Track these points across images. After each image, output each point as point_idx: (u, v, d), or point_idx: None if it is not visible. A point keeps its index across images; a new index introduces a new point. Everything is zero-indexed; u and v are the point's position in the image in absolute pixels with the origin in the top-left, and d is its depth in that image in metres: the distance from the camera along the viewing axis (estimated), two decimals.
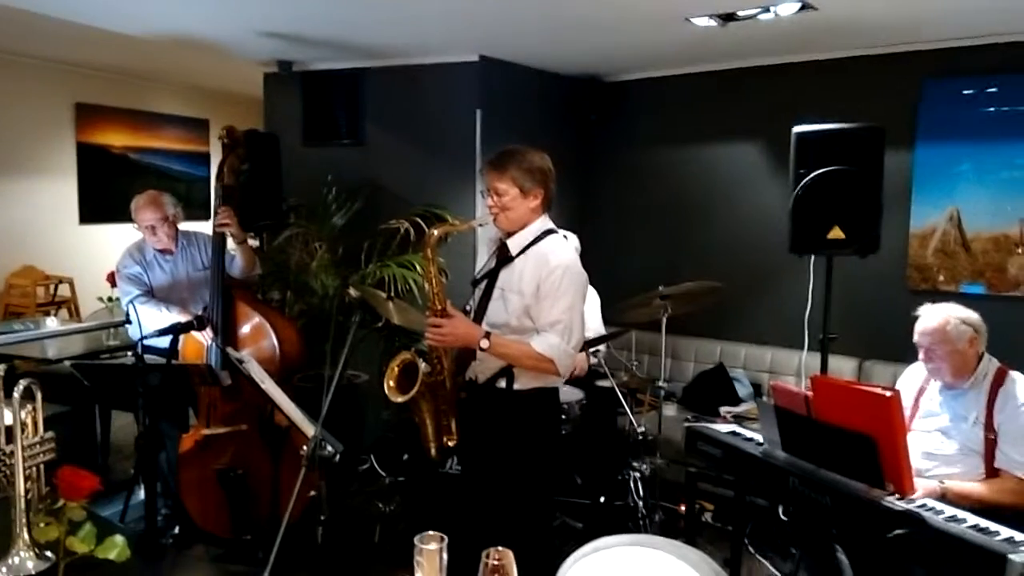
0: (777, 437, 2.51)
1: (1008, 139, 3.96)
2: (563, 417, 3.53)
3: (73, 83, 7.24)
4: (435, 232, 2.57)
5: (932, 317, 2.62)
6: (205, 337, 3.41)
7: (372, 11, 3.77)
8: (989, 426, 2.50)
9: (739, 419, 3.86)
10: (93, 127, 7.48)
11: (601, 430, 3.99)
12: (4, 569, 1.59)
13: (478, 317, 2.60)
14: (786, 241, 3.35)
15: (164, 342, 3.13)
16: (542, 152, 2.59)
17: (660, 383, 3.75)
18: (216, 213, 3.53)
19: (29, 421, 1.75)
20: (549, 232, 2.58)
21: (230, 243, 3.58)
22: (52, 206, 7.13)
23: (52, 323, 4.64)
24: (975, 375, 2.58)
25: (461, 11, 3.73)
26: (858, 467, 2.23)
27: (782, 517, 3.27)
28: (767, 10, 3.52)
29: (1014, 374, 2.56)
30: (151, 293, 3.61)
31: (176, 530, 3.54)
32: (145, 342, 3.07)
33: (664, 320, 3.65)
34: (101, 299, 4.77)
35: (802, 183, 3.25)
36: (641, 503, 3.65)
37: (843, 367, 4.24)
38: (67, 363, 3.77)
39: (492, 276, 2.62)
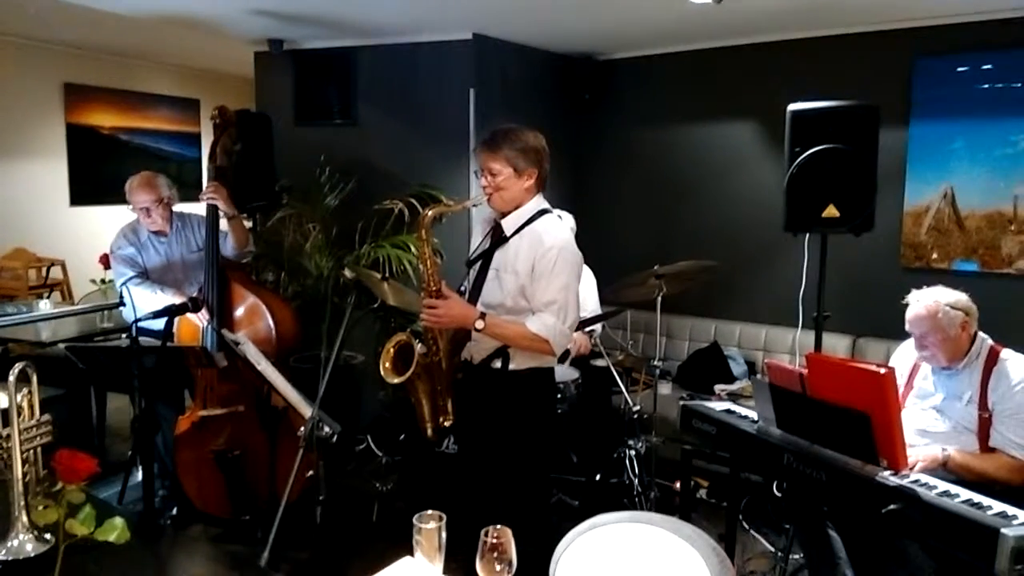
0: (772, 414, 2.52)
1: (1002, 116, 3.96)
2: (559, 396, 3.55)
3: (61, 63, 7.15)
4: (429, 213, 2.56)
5: (922, 306, 2.59)
6: (200, 319, 3.41)
7: None
8: (983, 405, 2.52)
9: (734, 397, 3.88)
10: (82, 108, 7.40)
11: (597, 409, 4.02)
12: (3, 552, 1.60)
13: (473, 298, 2.60)
14: (780, 219, 3.35)
15: (159, 324, 3.12)
16: (536, 131, 2.57)
17: (655, 362, 3.76)
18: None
19: (25, 404, 1.75)
20: (544, 212, 2.57)
21: (223, 223, 3.56)
22: (42, 188, 7.07)
23: (45, 306, 4.61)
24: (968, 356, 2.58)
25: None
26: (852, 443, 2.25)
27: (776, 493, 3.30)
28: None
29: (1007, 353, 2.56)
30: (145, 275, 3.60)
31: (174, 511, 3.56)
32: (140, 324, 3.07)
33: (659, 299, 3.66)
34: (94, 281, 4.74)
35: (797, 161, 3.25)
36: (637, 480, 3.68)
37: (837, 344, 4.26)
38: (62, 346, 3.76)
39: (487, 256, 2.61)
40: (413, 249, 4.27)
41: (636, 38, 4.91)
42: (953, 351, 2.57)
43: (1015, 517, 1.96)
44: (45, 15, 5.34)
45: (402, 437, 3.96)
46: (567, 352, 3.76)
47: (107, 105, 7.64)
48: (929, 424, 2.63)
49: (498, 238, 2.58)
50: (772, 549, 3.33)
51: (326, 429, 2.68)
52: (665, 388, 4.46)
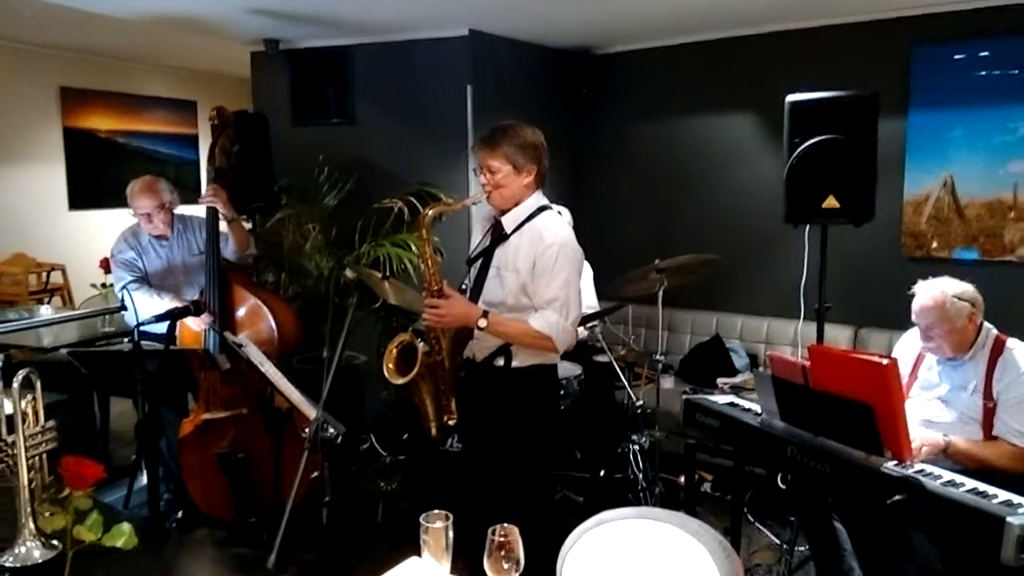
0: (775, 407, 2.52)
1: (1000, 103, 3.95)
2: (562, 392, 3.54)
3: (57, 67, 7.14)
4: (429, 212, 2.56)
5: (928, 296, 2.57)
6: (201, 323, 3.40)
7: None
8: (988, 394, 2.51)
9: (736, 390, 3.88)
10: (79, 111, 7.39)
11: (600, 404, 4.02)
12: (11, 558, 1.60)
13: (474, 296, 2.60)
14: (781, 211, 3.35)
15: (161, 328, 3.12)
16: (534, 127, 2.57)
17: (657, 356, 3.76)
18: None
19: (30, 411, 1.75)
20: (543, 208, 2.57)
21: (223, 225, 3.55)
22: (41, 192, 7.07)
23: (46, 311, 4.61)
24: (975, 347, 2.57)
25: None
26: (856, 435, 2.25)
27: (780, 486, 3.31)
28: None
29: (1012, 342, 2.55)
30: (145, 279, 3.59)
31: (180, 514, 3.56)
32: (142, 328, 3.07)
33: (660, 293, 3.65)
34: (94, 285, 4.74)
35: (796, 152, 3.24)
36: (641, 475, 3.68)
37: (839, 336, 4.26)
38: (64, 351, 3.75)
39: (487, 254, 2.61)
40: (414, 248, 4.26)
41: (632, 31, 4.90)
42: (959, 342, 2.56)
43: (1020, 505, 1.96)
44: (40, 18, 5.33)
45: (406, 436, 3.96)
46: None
47: (104, 108, 7.64)
48: (934, 415, 2.63)
49: (498, 236, 2.58)
50: (777, 541, 3.33)
51: (331, 431, 2.69)
52: (667, 382, 4.46)
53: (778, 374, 2.53)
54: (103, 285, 4.56)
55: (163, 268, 3.64)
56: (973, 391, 2.55)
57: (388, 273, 4.07)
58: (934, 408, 2.64)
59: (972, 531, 1.95)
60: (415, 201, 4.41)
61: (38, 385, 1.77)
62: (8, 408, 1.72)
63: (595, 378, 3.95)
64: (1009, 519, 1.85)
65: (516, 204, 2.55)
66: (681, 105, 5.08)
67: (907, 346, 2.81)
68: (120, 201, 3.65)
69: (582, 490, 3.74)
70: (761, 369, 4.16)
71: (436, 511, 1.47)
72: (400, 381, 2.51)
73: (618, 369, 3.76)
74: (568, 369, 3.74)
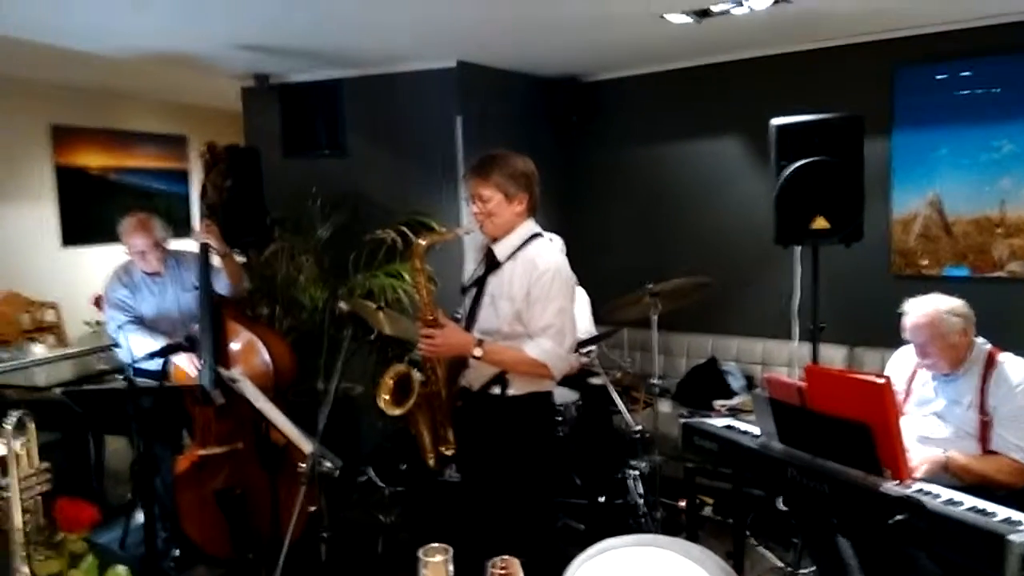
0: (773, 429, 2.52)
1: (984, 122, 4.00)
2: (559, 419, 3.53)
3: (48, 105, 7.15)
4: (422, 242, 2.57)
5: (920, 314, 2.59)
6: (193, 364, 3.38)
7: (347, 19, 3.76)
8: (982, 409, 2.52)
9: (733, 412, 3.87)
10: (70, 149, 7.39)
11: (597, 430, 3.99)
12: None
13: (469, 324, 2.60)
14: (771, 233, 3.37)
15: (155, 364, 3.11)
16: (525, 156, 2.59)
17: (654, 380, 3.76)
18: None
19: (24, 453, 1.73)
20: (535, 236, 2.59)
21: (216, 260, 3.55)
22: (32, 230, 7.05)
23: (39, 350, 4.59)
24: (968, 361, 2.59)
25: (436, 16, 3.72)
26: (855, 454, 2.25)
27: (781, 508, 3.29)
28: (740, 4, 3.54)
29: (1004, 356, 2.57)
30: (139, 319, 3.58)
31: (176, 553, 3.51)
32: (136, 365, 3.05)
33: (655, 317, 3.66)
34: (88, 323, 4.72)
35: (784, 175, 3.28)
36: (641, 501, 3.65)
37: (833, 355, 4.27)
38: (57, 391, 3.73)
39: (481, 283, 2.62)
40: (407, 278, 4.27)
41: (619, 59, 4.96)
42: (954, 358, 2.58)
43: (1021, 523, 1.95)
44: (30, 56, 5.36)
45: (404, 467, 3.93)
46: None
47: (95, 145, 7.64)
48: (930, 430, 2.63)
49: (491, 264, 2.59)
50: (780, 564, 3.31)
51: (328, 464, 2.67)
52: (665, 406, 4.45)
53: (775, 395, 2.53)
54: (97, 322, 4.54)
55: (156, 306, 3.62)
56: (968, 406, 2.56)
57: (382, 303, 4.07)
58: (930, 423, 2.65)
59: (974, 550, 1.94)
60: (407, 231, 4.42)
61: (32, 427, 1.75)
62: (1, 450, 1.71)
63: (592, 403, 3.93)
64: (1010, 537, 1.84)
65: (508, 232, 2.56)
66: (670, 130, 5.13)
67: (899, 363, 2.82)
68: (112, 237, 3.66)
69: (583, 517, 3.71)
70: (758, 391, 4.15)
71: (435, 544, 1.45)
72: (397, 412, 2.51)
73: (615, 394, 3.75)
74: (565, 395, 3.73)
